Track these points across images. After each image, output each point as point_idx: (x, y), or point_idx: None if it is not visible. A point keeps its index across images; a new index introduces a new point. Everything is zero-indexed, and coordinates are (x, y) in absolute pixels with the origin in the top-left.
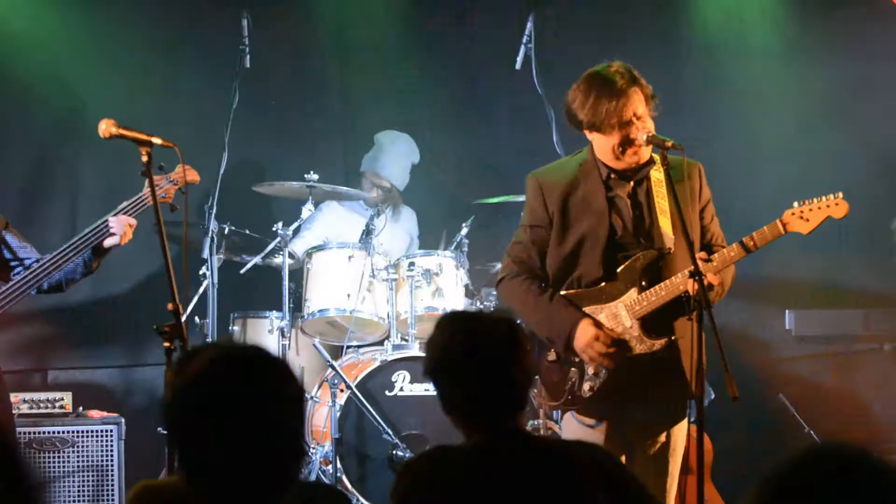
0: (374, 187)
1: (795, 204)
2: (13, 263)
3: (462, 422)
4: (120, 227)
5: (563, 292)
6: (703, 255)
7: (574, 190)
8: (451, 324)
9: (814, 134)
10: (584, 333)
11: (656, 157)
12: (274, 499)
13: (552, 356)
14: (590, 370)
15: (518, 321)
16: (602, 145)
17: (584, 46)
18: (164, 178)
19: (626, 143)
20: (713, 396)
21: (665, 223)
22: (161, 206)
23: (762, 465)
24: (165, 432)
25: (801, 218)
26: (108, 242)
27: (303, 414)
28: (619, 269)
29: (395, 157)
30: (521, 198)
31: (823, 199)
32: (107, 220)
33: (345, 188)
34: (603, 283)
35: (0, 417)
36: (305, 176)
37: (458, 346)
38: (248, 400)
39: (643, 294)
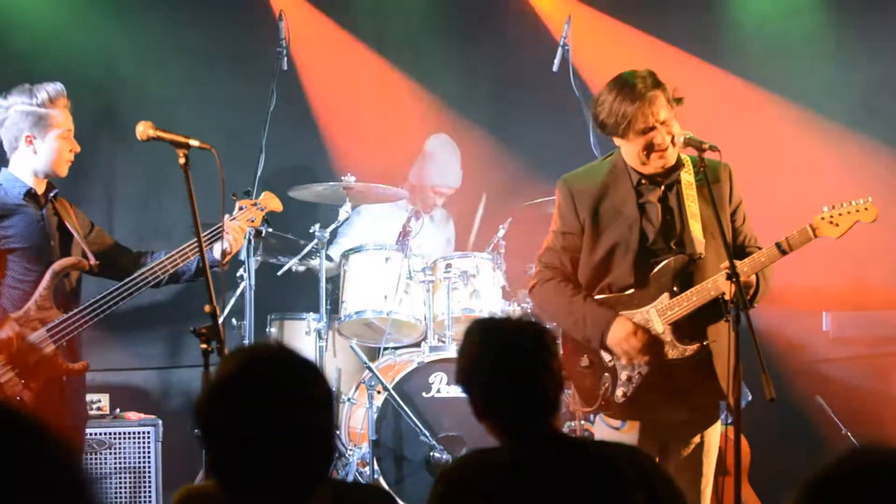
0: (439, 196)
1: (825, 208)
2: (136, 255)
3: (495, 428)
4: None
5: (595, 297)
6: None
7: (605, 196)
8: (479, 331)
9: (846, 135)
10: (619, 329)
11: (685, 159)
12: (303, 499)
13: (585, 361)
14: (623, 376)
15: (547, 325)
16: (628, 151)
17: (620, 49)
18: (253, 203)
19: (650, 148)
20: (750, 398)
21: (696, 227)
22: (249, 230)
23: (799, 466)
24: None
25: (831, 223)
26: (223, 249)
27: (331, 415)
28: (650, 275)
29: (447, 161)
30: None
31: (853, 203)
32: (221, 224)
33: (382, 187)
34: (634, 290)
35: (79, 423)
36: (343, 178)
37: (487, 354)
38: (274, 403)
39: (675, 299)
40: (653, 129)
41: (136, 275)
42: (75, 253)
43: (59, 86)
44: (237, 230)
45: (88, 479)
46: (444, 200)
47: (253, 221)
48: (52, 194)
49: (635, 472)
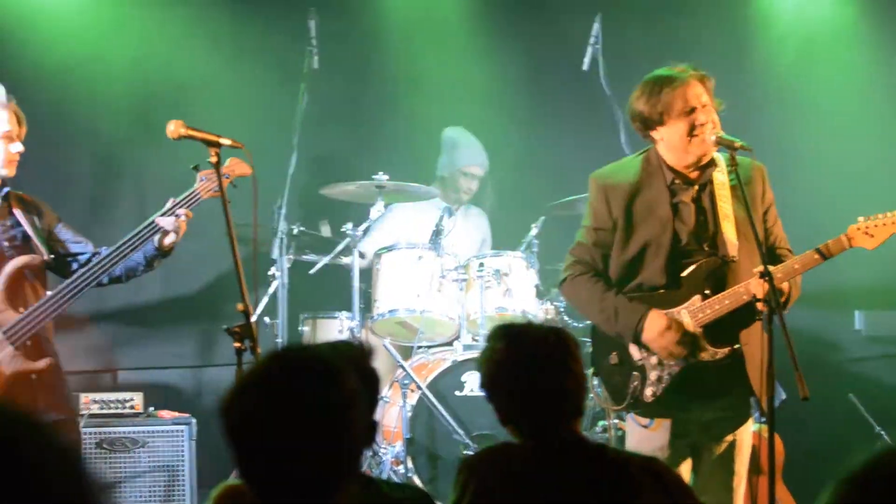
0: (472, 180)
1: (860, 219)
2: (69, 259)
3: (519, 433)
4: (172, 225)
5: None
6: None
7: (637, 193)
8: (501, 338)
9: (883, 136)
10: (654, 324)
11: (718, 158)
12: (329, 499)
13: (614, 359)
14: (652, 376)
15: (576, 324)
16: (670, 138)
17: (651, 47)
18: (213, 173)
19: (694, 130)
20: (784, 397)
21: (728, 228)
22: (215, 199)
23: (832, 465)
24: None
25: (866, 233)
26: (167, 241)
27: (356, 415)
28: (682, 276)
29: (470, 144)
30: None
31: (889, 214)
32: (153, 221)
33: (414, 185)
34: (665, 290)
35: (64, 418)
36: (374, 177)
37: (510, 360)
38: (293, 404)
39: (707, 302)
40: (695, 109)
41: (83, 271)
42: (33, 249)
43: (0, 89)
44: (171, 223)
45: (86, 475)
46: (476, 185)
47: (216, 192)
48: (2, 193)
49: (650, 480)
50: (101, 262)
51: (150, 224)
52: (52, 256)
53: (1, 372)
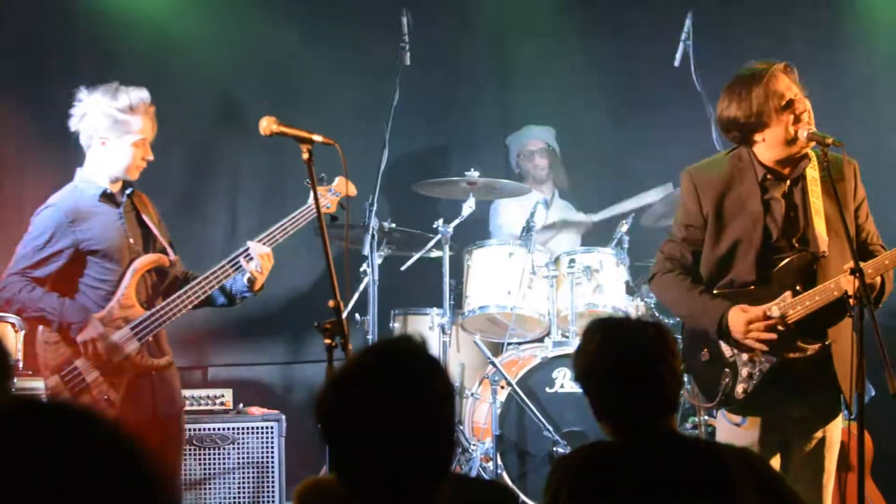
0: (532, 156)
1: None
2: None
3: (613, 428)
4: (256, 255)
5: (716, 292)
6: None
7: (729, 189)
8: (598, 331)
9: None
10: (738, 317)
11: (811, 154)
12: (425, 494)
13: (706, 356)
14: (743, 372)
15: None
16: (774, 138)
17: (743, 43)
18: (327, 190)
19: (797, 122)
20: (873, 393)
21: (819, 225)
22: (324, 216)
23: None
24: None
25: None
26: (247, 277)
27: (452, 410)
28: (772, 273)
29: (523, 128)
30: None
31: None
32: (247, 246)
33: (505, 181)
34: (756, 287)
35: (176, 413)
36: (466, 173)
37: (606, 354)
38: (393, 397)
39: (797, 298)
40: (791, 102)
41: (207, 275)
42: (156, 248)
43: (143, 93)
44: (265, 257)
45: (160, 477)
46: (544, 160)
47: (328, 208)
48: (128, 191)
49: (747, 473)
50: (222, 267)
51: (241, 252)
52: (177, 258)
53: (132, 364)
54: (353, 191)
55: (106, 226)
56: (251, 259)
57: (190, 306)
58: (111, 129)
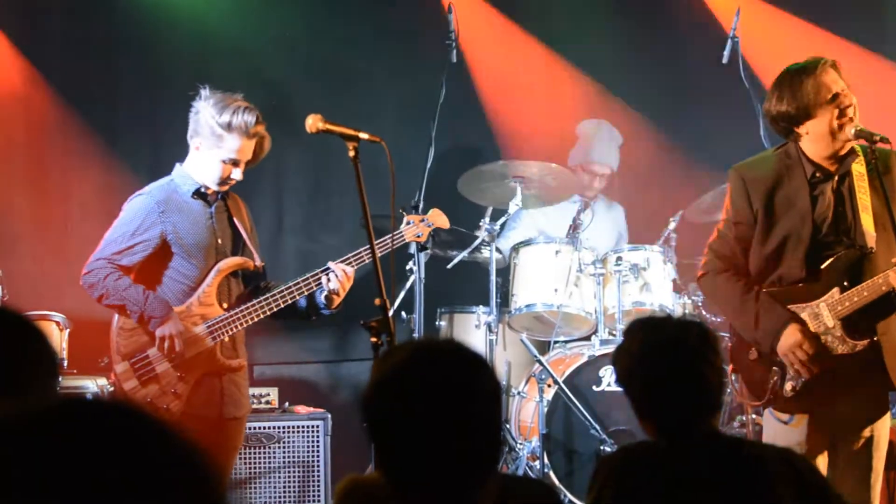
0: (594, 177)
1: None
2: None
3: (655, 427)
4: (338, 276)
5: (764, 290)
6: None
7: (778, 186)
8: (640, 330)
9: None
10: (790, 338)
11: (858, 148)
12: (471, 493)
13: (753, 354)
14: (792, 369)
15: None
16: (817, 129)
17: (790, 41)
18: (420, 219)
19: (842, 115)
20: None
21: (867, 220)
22: (416, 244)
23: None
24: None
25: None
26: (324, 294)
27: (499, 409)
28: (821, 269)
29: (604, 142)
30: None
31: None
32: (328, 266)
33: (553, 174)
34: (805, 283)
35: (241, 416)
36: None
37: (648, 354)
38: (442, 396)
39: (845, 294)
40: (838, 95)
41: (290, 284)
42: (244, 252)
43: (249, 116)
44: (345, 277)
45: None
46: (603, 183)
47: (419, 237)
48: (222, 193)
49: (789, 473)
50: (305, 280)
51: (321, 271)
52: (263, 264)
53: (204, 361)
54: (445, 223)
55: (195, 222)
56: (333, 276)
57: (269, 313)
58: (207, 139)
